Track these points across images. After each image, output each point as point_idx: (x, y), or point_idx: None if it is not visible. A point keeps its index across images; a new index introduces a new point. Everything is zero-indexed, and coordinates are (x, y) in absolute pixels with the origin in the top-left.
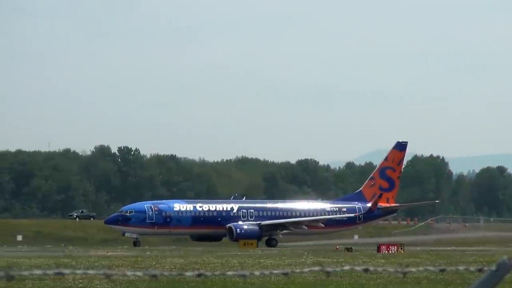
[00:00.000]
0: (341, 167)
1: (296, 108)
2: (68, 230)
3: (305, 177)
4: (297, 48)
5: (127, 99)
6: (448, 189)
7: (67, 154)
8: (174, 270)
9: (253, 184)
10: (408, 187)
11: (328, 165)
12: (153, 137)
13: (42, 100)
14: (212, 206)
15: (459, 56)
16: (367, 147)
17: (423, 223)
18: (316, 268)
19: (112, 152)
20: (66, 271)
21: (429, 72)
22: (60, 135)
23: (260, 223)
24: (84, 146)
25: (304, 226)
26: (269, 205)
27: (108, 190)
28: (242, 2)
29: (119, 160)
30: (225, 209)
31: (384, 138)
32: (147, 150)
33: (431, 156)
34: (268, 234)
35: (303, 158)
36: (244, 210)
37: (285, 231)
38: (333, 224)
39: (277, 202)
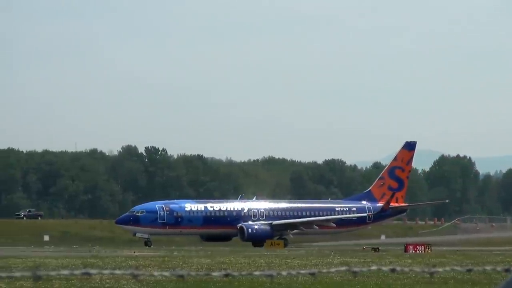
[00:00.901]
0: (368, 167)
1: (323, 108)
2: (95, 230)
3: (332, 177)
4: (323, 48)
5: (154, 99)
6: (475, 189)
7: (94, 154)
8: (201, 270)
9: (280, 184)
10: (435, 187)
11: (355, 165)
12: (180, 137)
13: (69, 100)
14: (223, 206)
15: (486, 55)
16: (394, 147)
17: (449, 223)
18: (343, 268)
19: (139, 152)
20: (93, 271)
21: (456, 71)
22: (87, 135)
23: (271, 223)
24: (111, 146)
25: (315, 226)
26: (280, 205)
27: (135, 190)
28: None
29: (146, 160)
30: (235, 209)
31: (411, 138)
32: (174, 150)
33: (458, 156)
34: (279, 234)
35: (330, 158)
36: (254, 210)
37: (295, 230)
38: (343, 224)
39: (287, 202)
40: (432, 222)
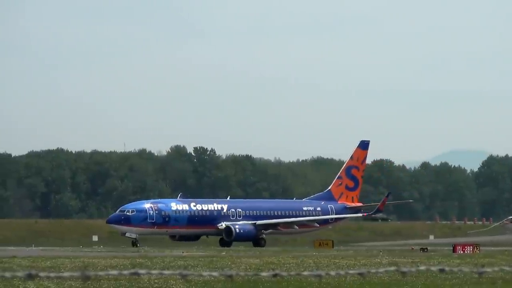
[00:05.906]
0: (416, 167)
1: (370, 109)
2: None
3: (381, 177)
4: (374, 49)
5: (203, 100)
6: None
7: (143, 155)
8: (249, 270)
9: (328, 184)
10: (483, 187)
11: (403, 165)
12: (228, 137)
13: (117, 100)
14: (205, 206)
15: None
16: (442, 147)
17: (498, 223)
18: (392, 268)
19: (188, 152)
20: (142, 271)
21: (505, 72)
22: (135, 135)
23: (255, 223)
24: (160, 146)
25: (295, 226)
26: (257, 204)
27: (184, 190)
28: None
29: (195, 160)
30: (216, 208)
31: (459, 139)
32: (223, 150)
33: (507, 156)
34: (260, 234)
35: (378, 158)
36: (233, 210)
37: (270, 230)
38: (307, 224)
39: (264, 201)
40: (480, 222)
